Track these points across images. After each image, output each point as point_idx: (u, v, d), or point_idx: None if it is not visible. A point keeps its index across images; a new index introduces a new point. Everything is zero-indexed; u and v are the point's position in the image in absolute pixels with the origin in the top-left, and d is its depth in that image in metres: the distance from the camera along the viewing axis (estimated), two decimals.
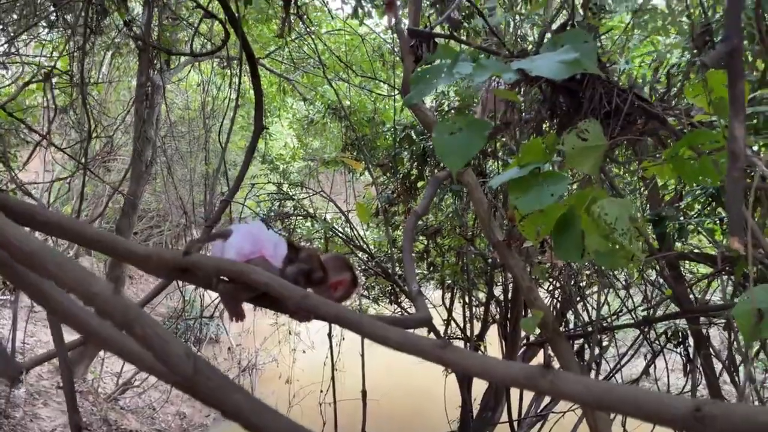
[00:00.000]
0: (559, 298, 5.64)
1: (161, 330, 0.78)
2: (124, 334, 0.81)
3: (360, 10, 6.26)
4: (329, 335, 5.82)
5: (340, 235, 6.09)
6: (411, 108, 2.70)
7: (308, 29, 5.76)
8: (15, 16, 6.34)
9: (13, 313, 4.04)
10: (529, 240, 2.05)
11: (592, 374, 5.33)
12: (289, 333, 8.65)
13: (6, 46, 5.71)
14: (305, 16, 6.07)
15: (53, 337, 1.55)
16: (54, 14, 5.20)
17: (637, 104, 1.90)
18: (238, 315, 1.52)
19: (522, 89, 2.16)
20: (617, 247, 1.64)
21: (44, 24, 5.84)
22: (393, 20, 2.63)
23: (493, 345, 6.43)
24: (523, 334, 5.86)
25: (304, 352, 8.69)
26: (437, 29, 2.62)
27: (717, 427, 0.60)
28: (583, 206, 1.71)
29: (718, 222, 3.88)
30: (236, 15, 3.03)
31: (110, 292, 0.79)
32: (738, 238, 1.00)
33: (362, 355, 5.63)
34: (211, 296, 8.03)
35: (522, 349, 5.89)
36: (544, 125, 2.21)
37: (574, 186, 2.73)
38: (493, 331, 6.35)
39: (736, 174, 0.99)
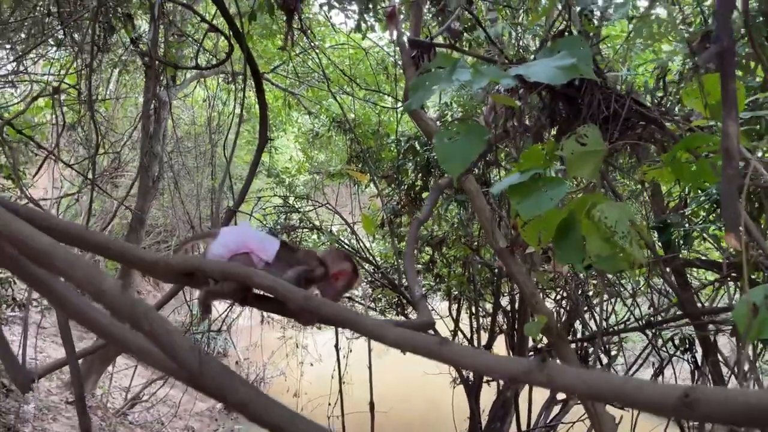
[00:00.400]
0: (567, 308, 5.64)
1: (168, 326, 0.80)
2: (133, 330, 0.84)
3: (363, 24, 6.33)
4: (336, 347, 5.83)
5: (346, 246, 6.11)
6: (411, 116, 2.73)
7: (312, 44, 5.82)
8: (23, 35, 6.44)
9: (24, 325, 4.06)
10: (532, 246, 2.06)
11: None
12: (297, 346, 8.65)
13: (15, 64, 5.80)
14: (309, 31, 6.13)
15: (64, 344, 1.58)
16: (61, 32, 5.28)
17: (635, 109, 1.92)
18: (207, 309, 1.53)
19: (522, 97, 2.18)
20: (618, 250, 1.65)
21: (52, 42, 5.92)
22: (394, 31, 2.67)
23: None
24: (530, 344, 5.86)
25: (311, 365, 8.68)
26: (438, 40, 2.65)
27: (702, 410, 0.62)
28: (583, 211, 1.73)
29: (723, 228, 3.88)
30: (240, 30, 3.08)
31: (119, 289, 0.81)
32: (734, 235, 1.01)
33: (369, 367, 5.62)
34: (218, 309, 8.05)
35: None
36: (545, 133, 2.23)
37: (580, 195, 2.74)
38: (500, 342, 6.34)
39: (731, 172, 1.01)
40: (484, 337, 6.54)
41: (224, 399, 0.78)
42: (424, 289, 6.80)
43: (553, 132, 2.19)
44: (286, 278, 1.48)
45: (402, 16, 3.81)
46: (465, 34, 3.41)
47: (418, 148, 5.21)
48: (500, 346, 6.33)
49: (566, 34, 2.19)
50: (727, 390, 0.63)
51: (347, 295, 7.24)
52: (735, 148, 1.00)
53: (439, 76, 1.39)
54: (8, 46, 5.78)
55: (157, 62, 4.46)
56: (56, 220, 1.10)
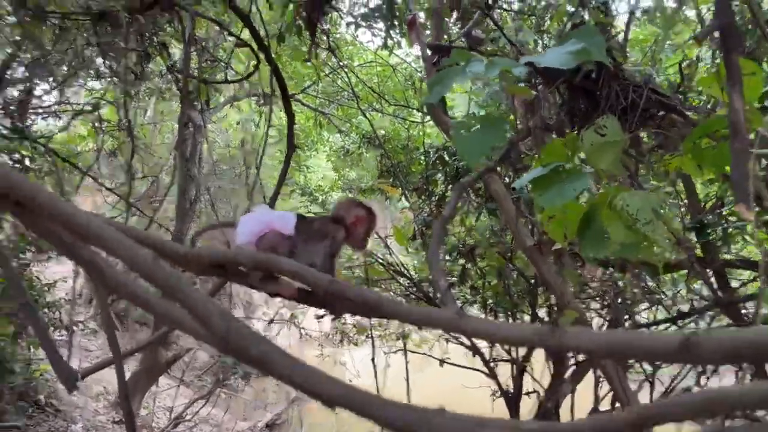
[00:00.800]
0: (608, 318, 5.56)
1: (198, 293, 0.86)
2: (167, 301, 0.90)
3: (390, 41, 6.43)
4: (372, 360, 5.87)
5: (380, 260, 6.16)
6: (432, 116, 2.78)
7: (340, 63, 5.95)
8: (65, 68, 6.75)
9: (68, 345, 4.21)
10: (557, 241, 2.07)
11: (647, 392, 5.21)
12: (335, 363, 8.69)
13: (57, 95, 6.07)
14: (337, 50, 6.27)
15: (109, 345, 1.66)
16: (101, 62, 5.51)
17: (654, 98, 1.93)
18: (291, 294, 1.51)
19: (541, 92, 2.22)
20: (642, 238, 1.65)
21: (92, 73, 6.18)
22: (416, 38, 2.73)
23: (540, 365, 6.34)
24: (570, 353, 5.78)
25: (350, 381, 8.68)
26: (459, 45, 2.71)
27: (702, 353, 0.64)
28: (606, 203, 1.74)
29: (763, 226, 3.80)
30: (267, 44, 3.19)
31: (152, 259, 0.87)
32: (745, 205, 1.02)
33: (407, 380, 5.64)
34: (258, 327, 8.16)
35: (571, 369, 5.79)
36: (567, 130, 2.26)
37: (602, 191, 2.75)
38: (539, 352, 6.27)
39: (740, 145, 1.02)
40: (522, 348, 6.47)
41: (251, 361, 0.83)
42: (459, 302, 6.79)
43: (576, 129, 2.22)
44: (320, 267, 1.52)
45: (428, 32, 3.89)
46: (491, 43, 3.45)
47: (447, 158, 5.25)
48: (539, 356, 6.26)
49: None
50: (724, 330, 0.65)
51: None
52: (741, 121, 1.02)
53: (455, 71, 1.43)
54: (50, 78, 6.04)
55: (189, 85, 4.62)
56: (98, 217, 1.18)
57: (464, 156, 1.41)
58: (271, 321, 7.61)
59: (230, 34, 4.47)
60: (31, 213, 0.92)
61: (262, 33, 4.44)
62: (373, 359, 5.78)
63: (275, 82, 3.28)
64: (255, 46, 3.47)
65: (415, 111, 7.47)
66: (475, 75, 1.35)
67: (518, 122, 2.31)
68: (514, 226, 2.32)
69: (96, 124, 5.22)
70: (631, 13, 5.60)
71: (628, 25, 5.88)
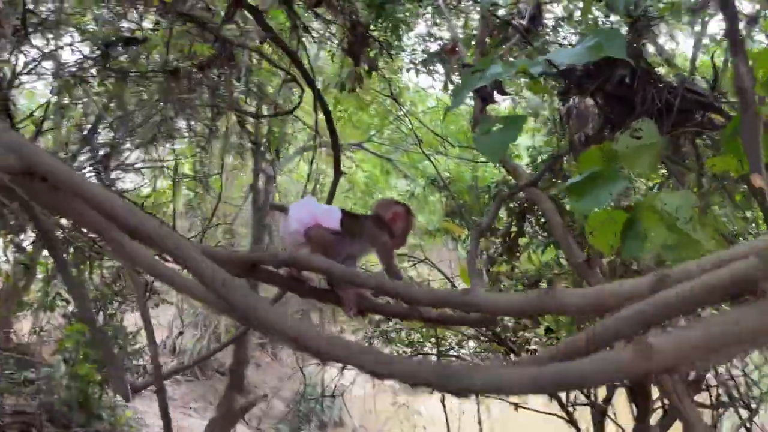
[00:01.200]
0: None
1: (200, 257, 0.93)
2: (184, 273, 0.98)
3: (450, 84, 6.57)
4: (443, 402, 5.78)
5: None
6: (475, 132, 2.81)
7: (402, 108, 6.13)
8: (151, 135, 7.28)
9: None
10: (604, 252, 2.03)
11: None
12: (404, 405, 8.60)
13: (140, 153, 6.54)
14: (399, 98, 6.46)
15: (152, 362, 1.76)
16: (179, 119, 5.90)
17: (690, 98, 1.89)
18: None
19: (576, 103, 2.21)
20: (684, 238, 1.60)
21: (171, 131, 6.62)
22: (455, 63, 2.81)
23: (622, 409, 6.04)
24: (655, 396, 5.48)
25: (424, 428, 8.58)
26: None
27: (671, 284, 0.63)
28: (648, 206, 1.70)
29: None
30: (312, 76, 3.37)
31: (159, 226, 0.95)
32: (758, 175, 1.00)
33: (479, 423, 5.52)
34: (332, 374, 8.20)
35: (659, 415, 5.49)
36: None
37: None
38: (621, 395, 5.98)
39: (750, 113, 1.01)
40: (601, 391, 6.19)
41: (237, 310, 0.88)
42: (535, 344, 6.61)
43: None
44: (392, 271, 1.56)
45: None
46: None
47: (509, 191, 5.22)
48: (621, 400, 5.97)
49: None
50: (691, 263, 0.64)
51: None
52: (748, 87, 1.00)
53: (475, 76, 1.47)
54: (133, 137, 6.51)
55: (261, 136, 4.87)
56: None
57: (485, 154, 1.44)
58: (343, 368, 7.63)
59: (276, 66, 4.71)
60: (54, 190, 1.02)
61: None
62: (443, 401, 5.70)
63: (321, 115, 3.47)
64: (302, 81, 3.69)
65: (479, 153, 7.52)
66: (494, 77, 1.39)
67: (558, 135, 2.31)
68: (565, 243, 2.29)
69: (172, 178, 5.57)
70: (698, 40, 5.47)
71: (695, 51, 5.76)
